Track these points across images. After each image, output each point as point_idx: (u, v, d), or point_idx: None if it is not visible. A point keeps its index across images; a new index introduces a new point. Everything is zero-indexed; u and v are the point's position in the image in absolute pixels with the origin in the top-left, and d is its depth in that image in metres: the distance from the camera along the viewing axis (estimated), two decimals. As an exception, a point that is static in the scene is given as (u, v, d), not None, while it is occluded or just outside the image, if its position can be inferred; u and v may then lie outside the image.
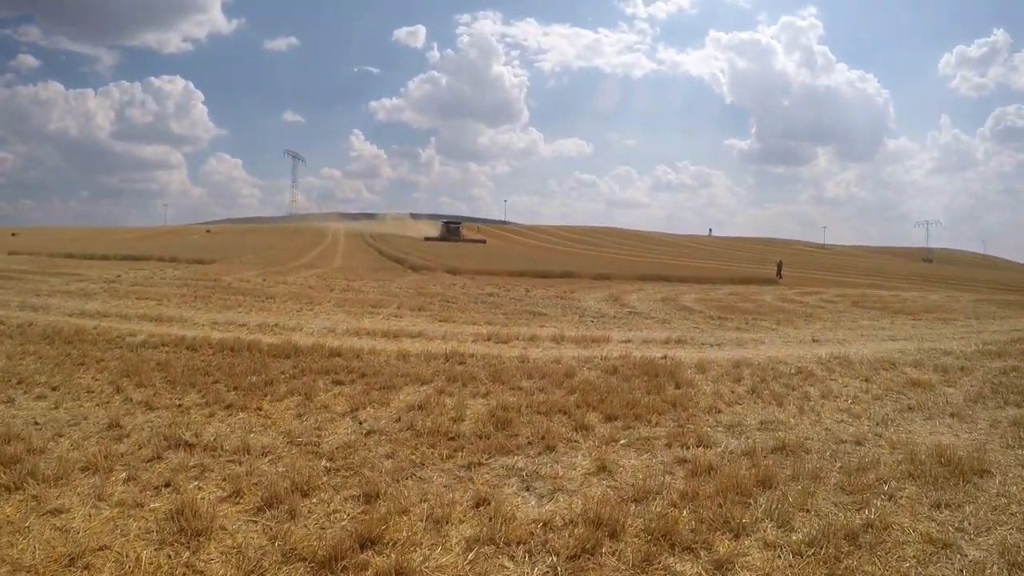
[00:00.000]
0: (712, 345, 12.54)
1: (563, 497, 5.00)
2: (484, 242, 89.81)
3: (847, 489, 5.26)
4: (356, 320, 14.14)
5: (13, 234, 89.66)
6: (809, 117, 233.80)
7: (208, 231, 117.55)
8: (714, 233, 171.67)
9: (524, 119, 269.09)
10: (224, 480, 5.15)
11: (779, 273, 44.65)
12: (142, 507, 4.66)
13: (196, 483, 5.11)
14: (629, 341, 12.43)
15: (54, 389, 8.00)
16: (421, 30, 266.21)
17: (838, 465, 5.83)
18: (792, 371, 10.02)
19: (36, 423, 6.69)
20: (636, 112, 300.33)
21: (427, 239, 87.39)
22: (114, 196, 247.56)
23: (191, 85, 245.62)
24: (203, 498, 4.78)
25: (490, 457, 5.81)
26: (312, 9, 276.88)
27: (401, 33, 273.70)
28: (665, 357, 10.56)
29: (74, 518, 4.49)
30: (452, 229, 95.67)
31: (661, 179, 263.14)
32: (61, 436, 6.25)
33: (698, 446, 6.28)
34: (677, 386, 8.68)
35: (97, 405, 7.38)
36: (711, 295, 25.11)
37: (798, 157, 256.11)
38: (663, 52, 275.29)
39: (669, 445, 6.31)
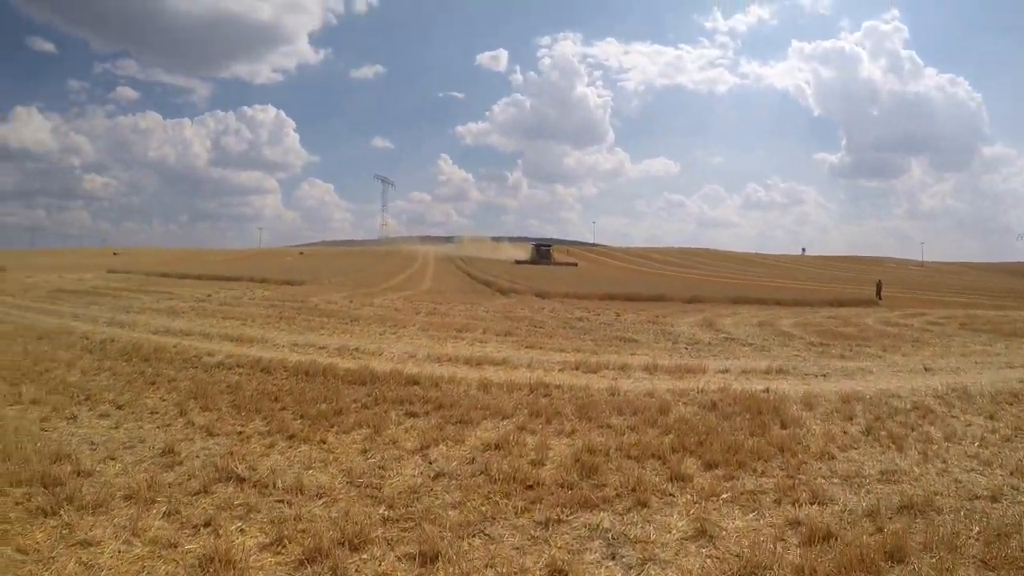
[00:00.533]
0: (816, 376, 11.43)
1: (654, 570, 4.20)
2: (575, 265, 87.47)
3: (989, 563, 4.32)
4: (439, 345, 13.64)
5: (115, 253, 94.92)
6: (900, 127, 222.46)
7: (301, 253, 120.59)
8: (807, 252, 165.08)
9: (610, 139, 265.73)
10: (269, 523, 4.65)
11: (879, 294, 42.07)
12: (175, 548, 4.26)
13: (238, 524, 4.65)
14: (727, 371, 11.44)
15: (119, 408, 7.86)
16: (503, 54, 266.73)
17: (975, 530, 4.83)
18: (908, 407, 8.93)
19: (92, 443, 6.49)
20: (722, 128, 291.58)
21: (518, 262, 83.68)
22: (211, 220, 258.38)
23: (283, 113, 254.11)
24: (241, 544, 4.31)
25: (571, 512, 5.03)
26: (396, 38, 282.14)
27: (484, 58, 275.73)
28: (767, 390, 9.57)
29: (102, 553, 4.15)
30: (543, 252, 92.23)
31: (751, 197, 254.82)
32: (113, 459, 6.03)
33: (812, 503, 5.35)
34: (783, 425, 7.70)
35: (158, 427, 7.14)
36: (809, 319, 23.59)
37: (891, 169, 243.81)
38: (746, 66, 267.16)
39: (778, 501, 5.40)
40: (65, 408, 7.71)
